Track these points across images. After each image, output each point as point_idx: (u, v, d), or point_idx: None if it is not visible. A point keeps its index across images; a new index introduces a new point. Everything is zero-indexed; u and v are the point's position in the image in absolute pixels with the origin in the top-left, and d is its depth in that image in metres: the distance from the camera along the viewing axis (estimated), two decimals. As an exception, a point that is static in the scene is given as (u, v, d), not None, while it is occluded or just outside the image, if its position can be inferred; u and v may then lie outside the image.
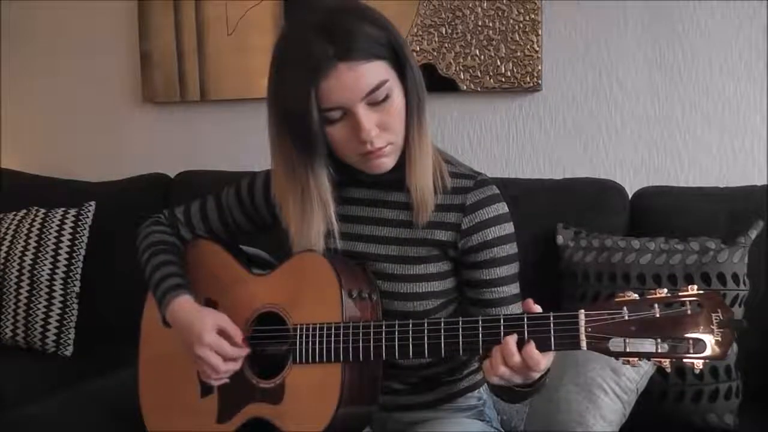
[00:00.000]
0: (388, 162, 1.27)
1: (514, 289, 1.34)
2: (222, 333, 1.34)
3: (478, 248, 1.31)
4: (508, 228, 1.33)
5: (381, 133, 1.23)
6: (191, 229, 1.53)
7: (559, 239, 1.95)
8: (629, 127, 2.25)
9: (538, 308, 1.16)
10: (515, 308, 1.31)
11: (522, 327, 1.14)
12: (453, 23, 2.32)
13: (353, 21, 1.20)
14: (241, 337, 1.34)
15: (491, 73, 2.30)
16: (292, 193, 1.31)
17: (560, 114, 2.30)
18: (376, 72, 1.20)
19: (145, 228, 1.53)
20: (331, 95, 1.19)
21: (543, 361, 1.13)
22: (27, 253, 2.38)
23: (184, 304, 1.38)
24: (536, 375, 1.15)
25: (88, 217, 2.43)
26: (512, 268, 1.33)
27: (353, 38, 1.18)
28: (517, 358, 1.13)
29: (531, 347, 1.12)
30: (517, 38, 2.26)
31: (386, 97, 1.21)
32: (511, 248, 1.33)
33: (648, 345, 1.07)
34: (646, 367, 1.67)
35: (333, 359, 1.26)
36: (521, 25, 2.25)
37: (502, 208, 1.33)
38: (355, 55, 1.18)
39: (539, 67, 2.25)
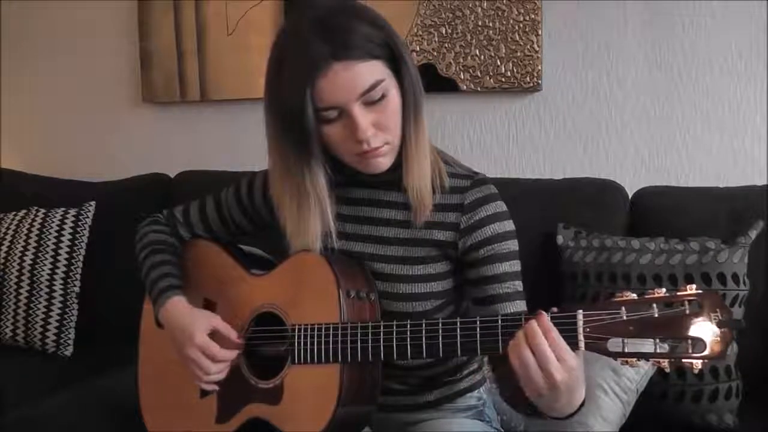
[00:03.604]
0: (384, 162, 1.26)
1: (518, 286, 1.32)
2: (215, 334, 1.34)
3: (478, 246, 1.30)
4: (508, 225, 1.32)
5: (377, 133, 1.22)
6: (190, 229, 1.52)
7: (559, 239, 1.95)
8: (629, 127, 2.24)
9: None
10: (521, 305, 1.30)
11: (520, 327, 1.12)
12: (453, 23, 2.32)
13: (350, 20, 1.19)
14: (235, 336, 1.34)
15: (491, 73, 2.30)
16: (288, 192, 1.31)
17: (560, 114, 2.30)
18: (372, 71, 1.19)
19: (143, 227, 1.54)
20: (327, 94, 1.19)
21: (571, 357, 1.06)
22: (27, 253, 2.38)
23: (177, 305, 1.38)
24: (558, 377, 1.05)
25: (88, 217, 2.43)
26: (515, 265, 1.32)
27: (350, 37, 1.17)
28: (540, 338, 1.05)
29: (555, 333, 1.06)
30: (517, 38, 2.26)
31: (382, 97, 1.21)
32: (513, 245, 1.32)
33: (647, 345, 1.06)
34: (646, 367, 1.67)
35: (331, 360, 1.26)
36: (521, 25, 2.25)
37: (500, 206, 1.32)
38: (351, 55, 1.17)
39: (539, 67, 2.25)
